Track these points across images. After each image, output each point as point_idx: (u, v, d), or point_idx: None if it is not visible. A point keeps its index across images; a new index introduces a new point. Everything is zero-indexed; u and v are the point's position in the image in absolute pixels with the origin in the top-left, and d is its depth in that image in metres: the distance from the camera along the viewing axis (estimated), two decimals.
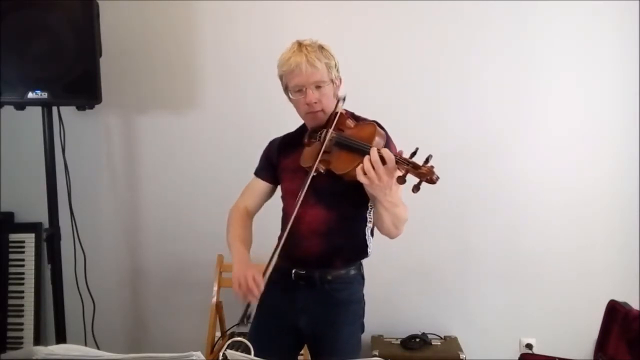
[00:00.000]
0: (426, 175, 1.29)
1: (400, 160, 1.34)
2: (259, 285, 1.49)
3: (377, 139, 1.47)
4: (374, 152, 1.37)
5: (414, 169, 1.31)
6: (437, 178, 1.29)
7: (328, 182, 1.55)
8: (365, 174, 1.37)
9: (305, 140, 1.66)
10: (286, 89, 1.63)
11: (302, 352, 1.87)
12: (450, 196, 2.60)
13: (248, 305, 1.52)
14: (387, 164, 1.35)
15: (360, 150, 1.42)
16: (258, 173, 1.79)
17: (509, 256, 2.62)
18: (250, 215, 1.76)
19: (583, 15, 2.50)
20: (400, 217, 1.51)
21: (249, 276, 1.49)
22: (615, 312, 1.94)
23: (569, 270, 2.60)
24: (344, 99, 1.61)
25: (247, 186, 1.81)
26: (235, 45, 2.63)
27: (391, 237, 1.58)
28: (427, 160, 1.30)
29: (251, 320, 1.55)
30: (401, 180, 1.34)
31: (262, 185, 1.77)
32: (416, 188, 1.29)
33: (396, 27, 2.56)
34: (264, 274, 1.52)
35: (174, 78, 2.68)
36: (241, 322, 1.54)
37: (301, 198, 1.54)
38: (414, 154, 1.35)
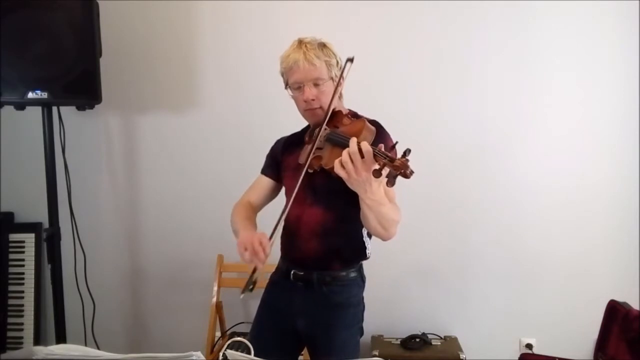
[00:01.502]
0: (400, 168, 1.25)
1: (377, 153, 1.32)
2: (265, 247, 1.46)
3: (364, 133, 1.47)
4: (352, 142, 1.35)
5: (390, 162, 1.28)
6: (412, 172, 1.25)
7: (325, 181, 1.55)
8: (343, 167, 1.35)
9: (306, 138, 1.67)
10: (286, 86, 1.64)
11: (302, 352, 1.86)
12: (450, 196, 2.61)
13: (254, 271, 1.49)
14: (365, 156, 1.32)
15: (346, 145, 1.40)
16: (264, 170, 1.80)
17: (509, 256, 2.62)
18: (253, 208, 1.75)
19: (583, 15, 2.50)
20: (387, 217, 1.47)
21: (255, 239, 1.47)
22: (615, 312, 1.94)
23: (569, 270, 2.60)
24: (352, 60, 1.56)
25: (252, 183, 1.81)
26: (235, 45, 2.63)
27: (382, 238, 1.54)
28: (404, 154, 1.27)
29: (254, 287, 1.51)
30: (377, 173, 1.30)
31: (267, 182, 1.77)
32: (390, 182, 1.27)
33: (396, 28, 2.56)
34: (269, 238, 1.50)
35: (174, 78, 2.68)
36: (246, 289, 1.51)
37: (294, 194, 1.54)
38: (392, 147, 1.34)
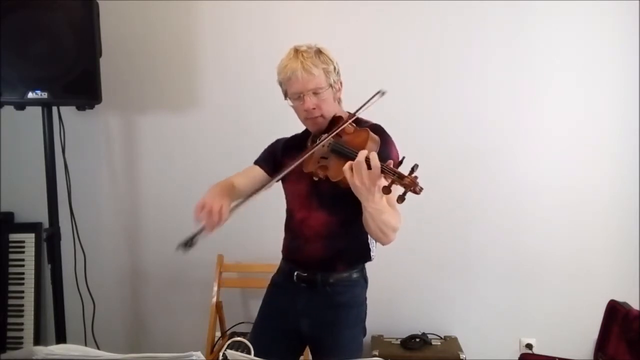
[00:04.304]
0: (409, 186, 1.27)
1: (386, 170, 1.32)
2: (223, 215, 1.43)
3: (369, 144, 1.46)
4: (361, 153, 1.36)
5: (399, 179, 1.30)
6: (421, 189, 1.27)
7: (330, 188, 1.55)
8: (351, 171, 1.36)
9: (309, 144, 1.66)
10: (286, 95, 1.64)
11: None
12: (450, 196, 2.61)
13: (200, 231, 1.46)
14: (372, 170, 1.33)
15: (352, 158, 1.40)
16: (258, 162, 1.77)
17: (509, 256, 2.62)
18: (234, 190, 1.64)
19: (583, 15, 2.50)
20: (387, 224, 1.48)
21: (216, 203, 1.44)
22: (615, 312, 1.94)
23: (569, 271, 2.60)
24: (382, 94, 1.56)
25: (242, 170, 1.77)
26: (235, 45, 2.63)
27: (381, 243, 1.56)
28: (412, 171, 1.29)
29: (192, 246, 1.47)
30: (386, 190, 1.32)
31: (258, 172, 1.73)
32: (401, 199, 1.28)
33: (396, 28, 2.56)
34: (232, 209, 1.48)
35: (174, 78, 2.68)
36: (183, 246, 1.47)
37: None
38: (400, 163, 1.34)
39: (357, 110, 1.57)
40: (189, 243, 1.47)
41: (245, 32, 2.61)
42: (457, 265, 2.65)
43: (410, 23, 2.56)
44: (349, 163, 1.37)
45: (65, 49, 2.19)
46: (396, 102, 2.54)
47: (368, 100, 1.56)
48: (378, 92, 1.56)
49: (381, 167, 1.33)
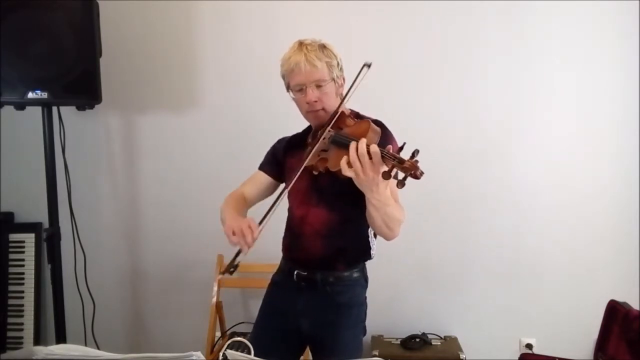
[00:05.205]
0: (410, 170, 1.26)
1: (386, 155, 1.31)
2: (254, 230, 1.45)
3: (370, 134, 1.46)
4: (361, 143, 1.35)
5: (399, 163, 1.28)
6: (422, 173, 1.26)
7: (330, 182, 1.55)
8: (350, 166, 1.35)
9: (309, 140, 1.66)
10: (288, 88, 1.64)
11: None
12: (450, 196, 2.61)
13: (238, 253, 1.48)
14: (373, 157, 1.32)
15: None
16: (262, 167, 1.79)
17: (509, 256, 2.62)
18: (246, 201, 1.73)
19: (583, 15, 2.50)
20: (392, 217, 1.47)
21: (244, 223, 1.46)
22: (615, 312, 1.94)
23: (569, 270, 2.60)
24: (369, 66, 1.57)
25: (249, 177, 1.80)
26: (235, 45, 2.63)
27: (386, 238, 1.55)
28: (412, 155, 1.27)
29: (236, 269, 1.49)
30: (386, 175, 1.31)
31: (264, 178, 1.76)
32: (401, 183, 1.27)
33: (397, 27, 2.56)
34: (259, 223, 1.50)
35: (174, 78, 2.68)
36: (226, 271, 1.49)
37: (294, 179, 1.54)
38: (400, 148, 1.33)
39: (349, 90, 1.57)
40: (231, 267, 1.50)
41: (245, 32, 2.61)
42: (457, 265, 2.65)
43: (411, 23, 2.56)
44: (344, 159, 1.36)
45: (65, 49, 2.19)
46: (396, 102, 2.56)
47: (356, 78, 1.56)
48: (364, 65, 1.55)
49: (381, 153, 1.32)
